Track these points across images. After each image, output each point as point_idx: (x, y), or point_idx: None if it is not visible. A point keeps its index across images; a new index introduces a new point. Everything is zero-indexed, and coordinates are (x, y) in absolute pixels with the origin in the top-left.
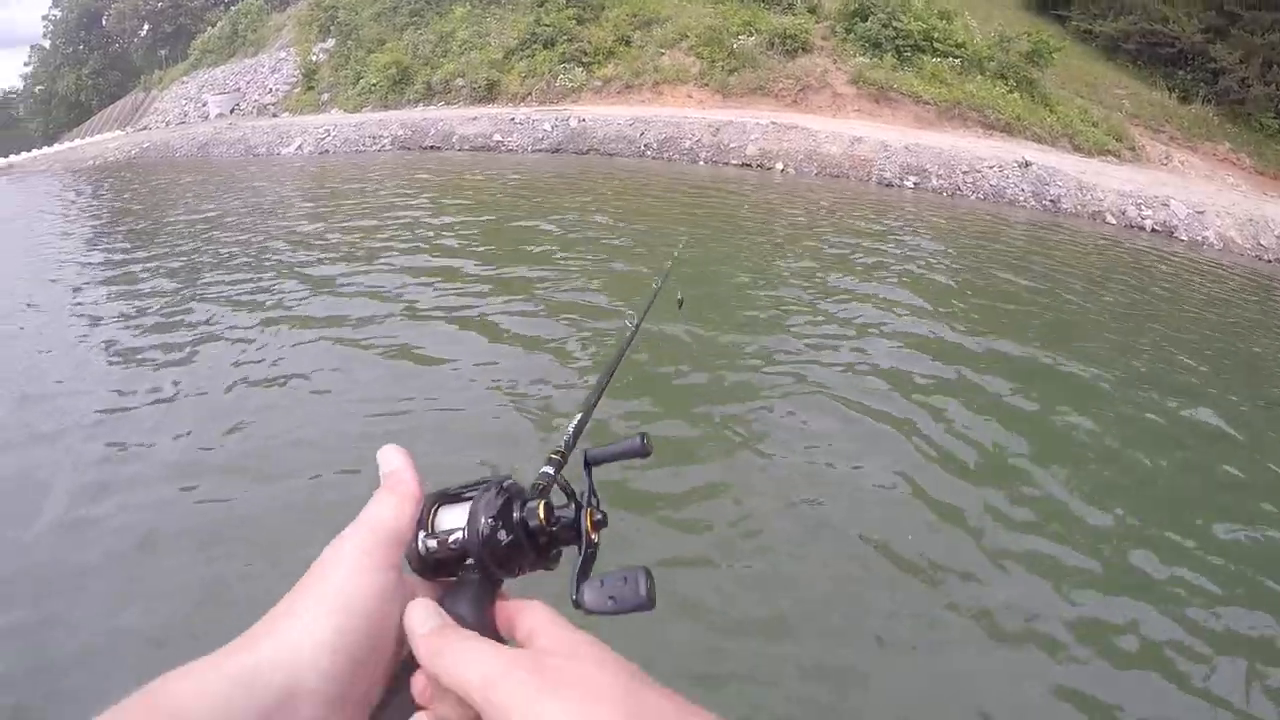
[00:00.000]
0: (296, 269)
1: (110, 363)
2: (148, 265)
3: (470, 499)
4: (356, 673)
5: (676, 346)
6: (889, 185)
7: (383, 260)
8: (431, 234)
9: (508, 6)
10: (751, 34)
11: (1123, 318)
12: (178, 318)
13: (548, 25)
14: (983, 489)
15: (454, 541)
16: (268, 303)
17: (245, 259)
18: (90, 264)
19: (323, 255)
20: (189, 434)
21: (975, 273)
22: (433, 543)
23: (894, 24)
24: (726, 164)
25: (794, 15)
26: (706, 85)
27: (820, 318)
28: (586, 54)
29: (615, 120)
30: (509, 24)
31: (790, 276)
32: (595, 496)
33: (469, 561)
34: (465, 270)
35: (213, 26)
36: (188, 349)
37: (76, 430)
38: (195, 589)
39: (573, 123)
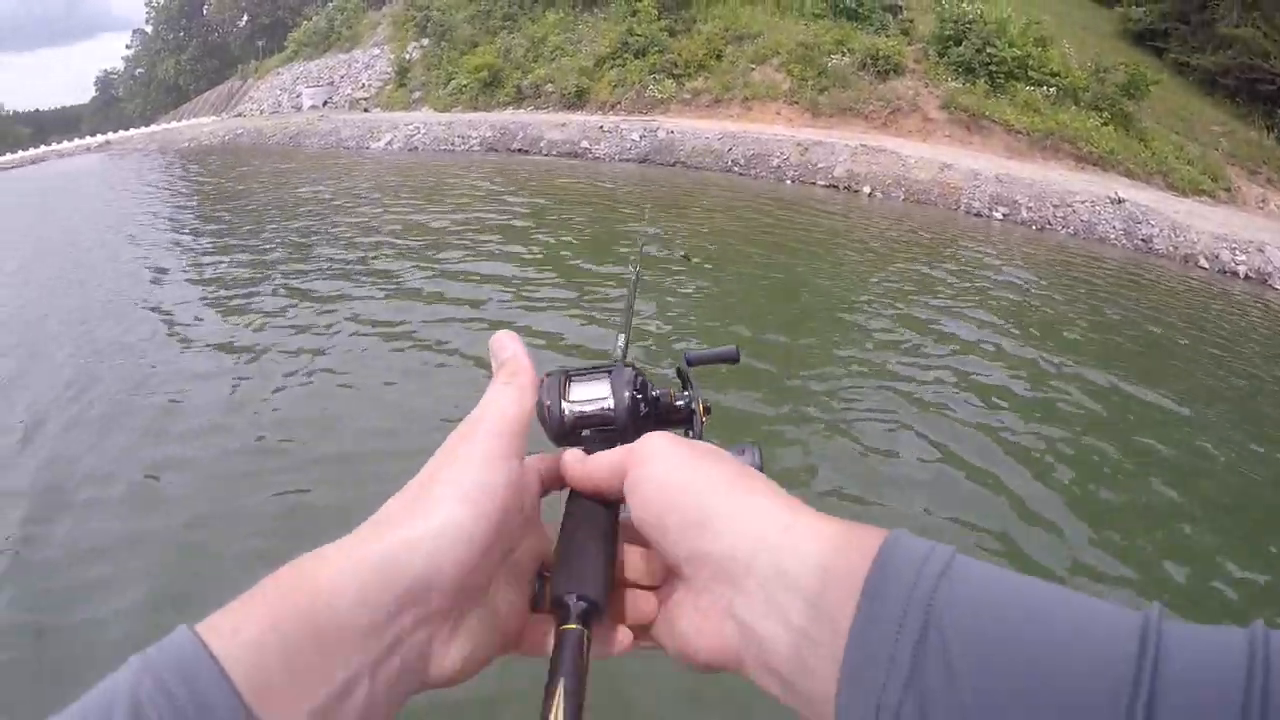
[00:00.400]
0: (390, 254)
1: (218, 325)
2: (247, 243)
3: (598, 377)
4: (482, 562)
5: (768, 352)
6: (977, 215)
7: (478, 250)
8: (522, 231)
9: (600, 15)
10: (844, 53)
11: (1212, 360)
12: (280, 291)
13: (640, 35)
14: (1064, 504)
15: (603, 409)
16: (366, 282)
17: (342, 242)
18: (195, 238)
19: (415, 242)
20: (301, 390)
21: (1064, 306)
22: (576, 409)
23: (988, 50)
24: (814, 184)
25: (887, 36)
26: (796, 103)
27: (906, 337)
28: (677, 66)
29: (704, 134)
30: (601, 32)
31: (879, 297)
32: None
33: (585, 433)
34: (555, 264)
35: (310, 21)
36: (293, 317)
37: (202, 382)
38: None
39: (661, 134)
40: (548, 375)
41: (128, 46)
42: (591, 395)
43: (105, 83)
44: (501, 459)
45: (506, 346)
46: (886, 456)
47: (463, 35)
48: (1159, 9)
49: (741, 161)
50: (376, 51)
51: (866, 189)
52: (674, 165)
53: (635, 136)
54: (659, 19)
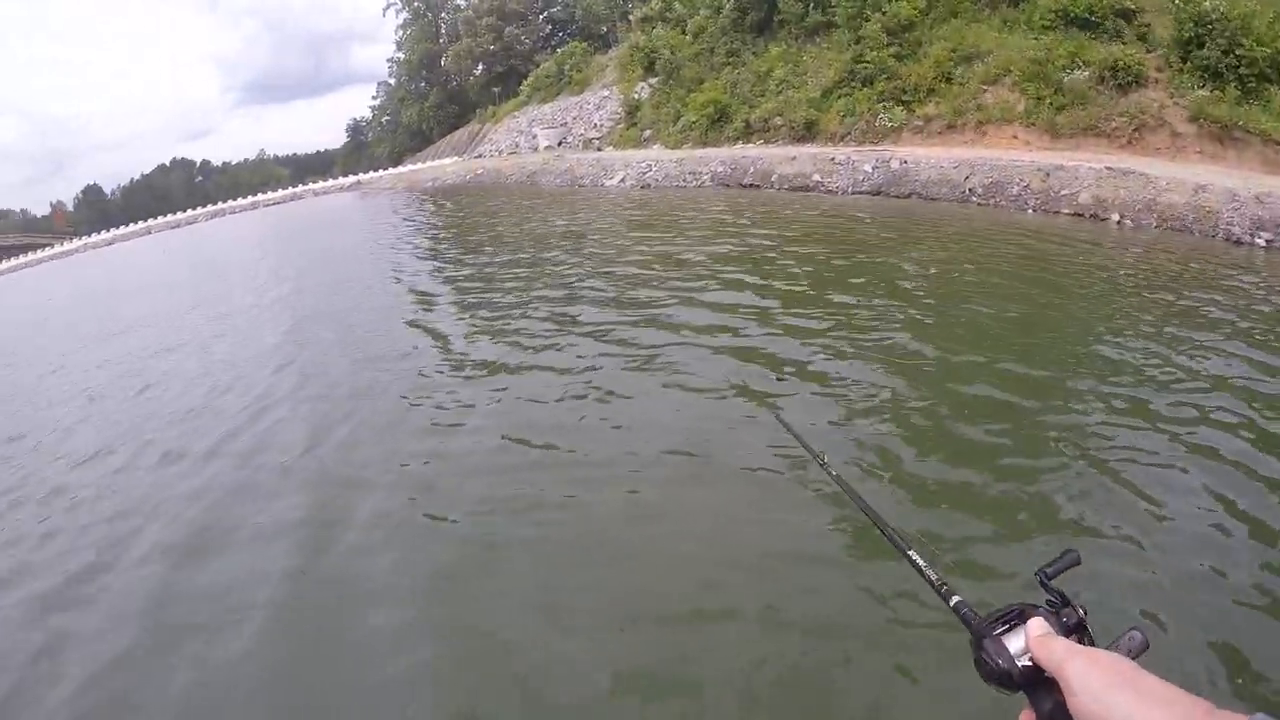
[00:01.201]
0: (637, 283)
1: (474, 345)
2: (500, 271)
3: (1015, 626)
4: None
5: (1022, 390)
6: (1237, 242)
7: (721, 282)
8: (767, 266)
9: (822, 44)
10: (1079, 67)
11: None
12: (530, 317)
13: (867, 63)
14: None
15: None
16: (617, 309)
17: (588, 272)
18: (451, 266)
19: (662, 273)
20: (540, 414)
21: None
22: (1026, 662)
23: (1235, 50)
24: (1057, 213)
25: (1123, 44)
26: (1033, 124)
27: (1169, 375)
28: (906, 92)
29: (938, 162)
30: (826, 61)
31: (1136, 334)
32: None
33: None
34: (797, 301)
35: (541, 67)
36: (542, 342)
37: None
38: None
39: (894, 164)
40: (983, 643)
41: (374, 97)
42: (1023, 644)
43: (355, 129)
44: None
45: None
46: (1153, 501)
47: (689, 73)
48: None
49: (979, 190)
50: (606, 93)
51: (1115, 216)
52: (908, 197)
53: (867, 168)
54: (887, 45)
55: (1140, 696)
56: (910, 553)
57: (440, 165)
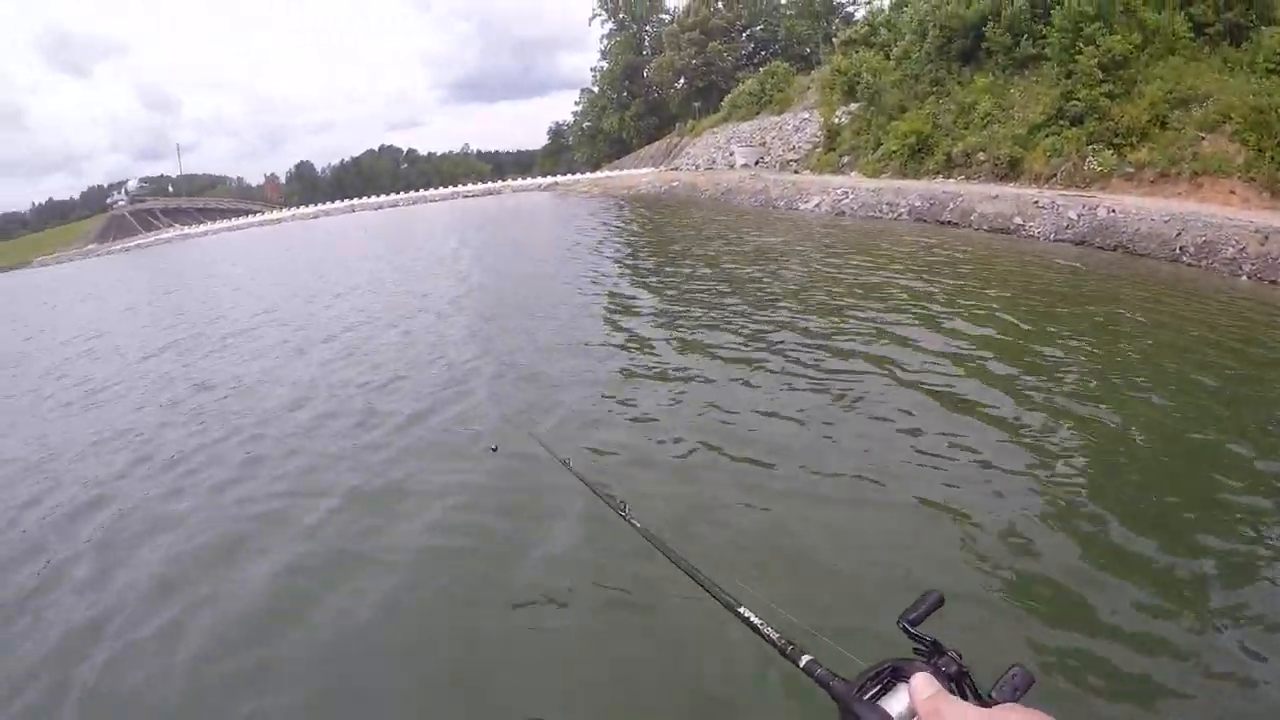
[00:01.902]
0: (828, 309)
1: (665, 349)
2: (695, 283)
3: (895, 686)
4: None
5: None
6: None
7: (915, 318)
8: (963, 307)
9: (1032, 78)
10: None
11: None
12: (722, 329)
13: (1077, 100)
14: None
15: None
16: (808, 331)
17: (782, 294)
18: (647, 272)
19: (854, 302)
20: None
21: None
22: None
23: None
24: (1274, 282)
25: None
26: (1252, 180)
27: None
28: (1118, 134)
29: (1149, 214)
30: (1034, 96)
31: None
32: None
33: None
34: (990, 346)
35: (741, 84)
36: (732, 354)
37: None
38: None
39: (1101, 213)
40: (855, 709)
41: (576, 103)
42: (905, 707)
43: (556, 132)
44: None
45: None
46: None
47: (891, 100)
48: None
49: (1190, 250)
50: (806, 115)
51: None
52: (1114, 249)
53: (1072, 214)
54: (1100, 83)
55: None
56: (741, 609)
57: (636, 174)
